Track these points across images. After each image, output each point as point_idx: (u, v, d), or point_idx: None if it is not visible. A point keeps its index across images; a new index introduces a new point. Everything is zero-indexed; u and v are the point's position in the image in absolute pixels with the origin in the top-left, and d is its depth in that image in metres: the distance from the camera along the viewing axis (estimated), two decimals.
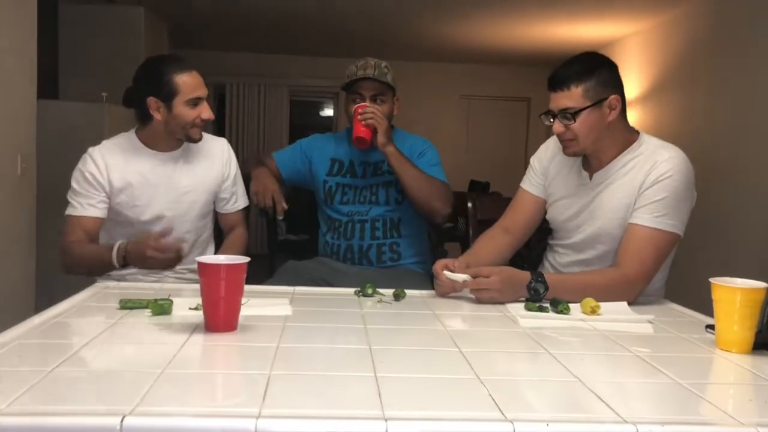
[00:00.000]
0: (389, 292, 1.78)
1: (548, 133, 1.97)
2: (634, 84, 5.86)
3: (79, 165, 2.14)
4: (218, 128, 7.92)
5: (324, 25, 6.34)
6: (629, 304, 1.69)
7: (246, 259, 1.37)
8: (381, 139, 2.29)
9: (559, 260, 2.03)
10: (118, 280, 2.06)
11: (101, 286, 1.81)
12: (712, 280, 1.36)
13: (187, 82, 2.06)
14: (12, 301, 3.12)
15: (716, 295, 1.35)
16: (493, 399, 0.99)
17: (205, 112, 2.10)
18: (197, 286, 1.37)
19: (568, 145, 1.86)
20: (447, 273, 1.74)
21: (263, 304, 1.58)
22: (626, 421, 0.92)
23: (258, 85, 8.01)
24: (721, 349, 1.35)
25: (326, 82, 7.75)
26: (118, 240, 2.19)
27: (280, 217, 2.32)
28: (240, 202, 2.35)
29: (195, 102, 2.08)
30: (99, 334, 1.31)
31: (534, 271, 1.74)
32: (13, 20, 3.12)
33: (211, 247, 2.34)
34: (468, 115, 8.28)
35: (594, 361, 1.29)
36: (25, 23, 3.26)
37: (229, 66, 7.85)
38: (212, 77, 7.59)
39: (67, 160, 2.33)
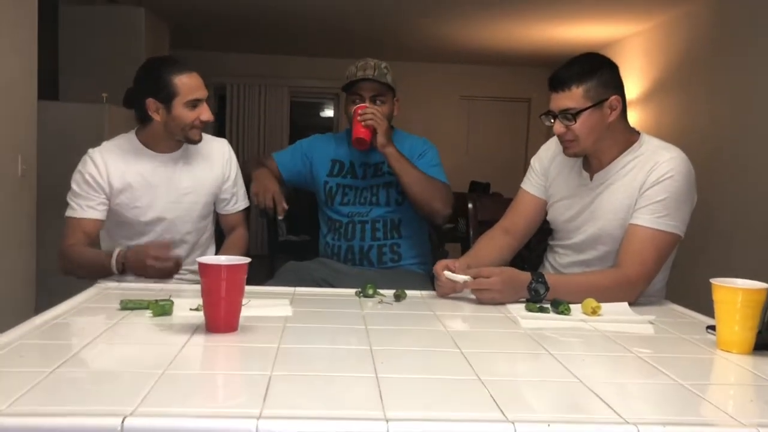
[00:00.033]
0: (390, 292, 1.78)
1: (549, 133, 1.97)
2: (634, 84, 5.86)
3: (79, 166, 2.14)
4: (219, 129, 7.93)
5: (324, 26, 6.34)
6: (630, 304, 1.69)
7: (247, 260, 1.37)
8: (381, 139, 2.29)
9: (559, 261, 2.03)
10: (119, 280, 2.06)
11: (102, 287, 1.81)
12: (712, 280, 1.35)
13: (187, 84, 2.06)
14: (12, 302, 3.12)
15: (717, 296, 1.35)
16: (494, 399, 0.99)
17: (205, 113, 2.10)
18: (198, 286, 1.37)
19: (568, 146, 1.86)
20: (447, 273, 1.74)
21: (264, 304, 1.58)
22: (627, 422, 0.92)
23: (258, 86, 8.01)
24: (722, 350, 1.35)
25: (326, 83, 7.76)
26: (118, 240, 2.20)
27: (281, 218, 2.32)
28: (240, 202, 2.35)
29: (194, 103, 2.08)
30: (100, 334, 1.31)
31: (534, 271, 1.74)
32: (13, 21, 3.12)
33: (212, 248, 2.34)
34: (468, 115, 8.28)
35: (595, 361, 1.29)
36: (26, 24, 3.26)
37: (229, 66, 7.85)
38: (213, 78, 7.59)
39: (67, 160, 2.33)
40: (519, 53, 7.22)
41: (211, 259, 1.38)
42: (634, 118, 5.68)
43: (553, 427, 0.89)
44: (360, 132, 2.31)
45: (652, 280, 1.81)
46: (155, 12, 5.36)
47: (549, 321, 1.57)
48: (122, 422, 0.85)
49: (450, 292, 1.79)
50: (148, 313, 1.47)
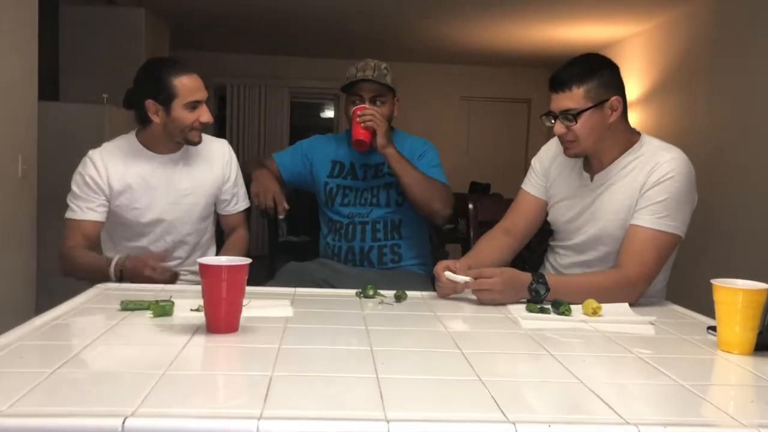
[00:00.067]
0: (390, 293, 1.78)
1: (549, 134, 1.97)
2: (634, 85, 5.86)
3: (79, 168, 2.14)
4: (219, 129, 7.93)
5: (324, 26, 6.34)
6: (631, 305, 1.69)
7: (247, 261, 1.37)
8: (380, 141, 2.29)
9: (560, 261, 2.03)
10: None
11: (102, 288, 1.80)
12: (713, 281, 1.35)
13: (186, 85, 2.05)
14: (13, 303, 3.12)
15: (718, 297, 1.35)
16: (494, 400, 0.99)
17: (204, 115, 2.09)
18: (198, 287, 1.37)
19: (569, 147, 1.86)
20: (448, 274, 1.74)
21: (264, 305, 1.58)
22: (628, 423, 0.92)
23: (259, 87, 8.01)
24: (723, 351, 1.35)
25: (327, 84, 7.76)
26: (118, 241, 2.20)
27: (282, 217, 2.31)
28: (241, 203, 2.34)
29: (194, 105, 2.07)
30: (100, 335, 1.31)
31: (535, 272, 1.74)
32: (14, 21, 3.13)
33: (213, 249, 2.34)
34: (468, 116, 8.28)
35: (595, 362, 1.29)
36: (26, 24, 3.26)
37: (229, 67, 7.86)
38: (213, 78, 7.59)
39: (67, 161, 2.33)
40: (519, 54, 7.22)
41: (211, 259, 1.38)
42: (634, 118, 5.68)
43: (553, 428, 0.89)
44: (359, 134, 2.31)
45: (652, 281, 1.80)
46: (155, 12, 5.36)
47: (549, 322, 1.57)
48: (123, 423, 0.85)
49: (451, 293, 1.79)
50: (148, 313, 1.47)
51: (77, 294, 1.69)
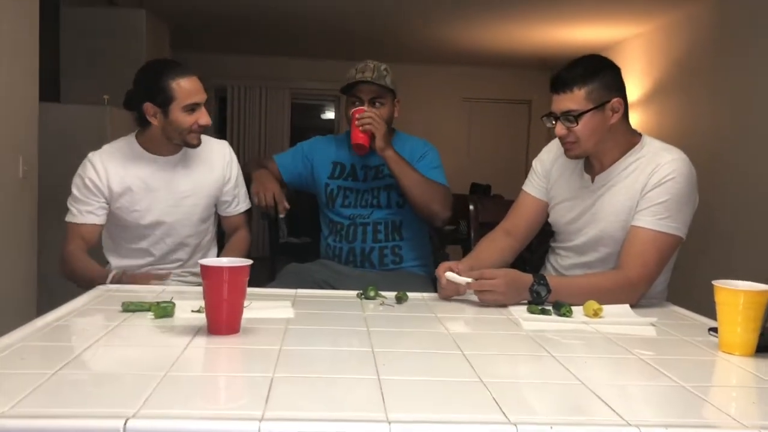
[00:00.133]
0: (391, 294, 1.78)
1: (550, 135, 1.97)
2: (635, 86, 5.86)
3: (79, 170, 2.14)
4: (219, 130, 7.94)
5: (325, 28, 6.35)
6: (632, 306, 1.69)
7: (248, 262, 1.37)
8: (379, 143, 2.29)
9: (561, 263, 2.03)
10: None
11: (104, 289, 1.81)
12: (714, 282, 1.35)
13: (185, 88, 2.04)
14: (14, 304, 3.12)
15: (719, 298, 1.35)
16: (496, 401, 0.99)
17: (203, 118, 2.08)
18: (200, 288, 1.37)
19: (569, 148, 1.86)
20: (449, 274, 1.74)
21: (265, 306, 1.58)
22: (629, 424, 0.92)
23: (259, 88, 8.01)
24: (724, 352, 1.35)
25: (327, 85, 7.76)
26: (120, 243, 2.20)
27: (282, 216, 2.31)
28: (242, 204, 2.34)
29: (192, 108, 2.06)
30: (101, 336, 1.31)
31: (536, 273, 1.74)
32: (14, 22, 3.13)
33: (214, 250, 2.34)
34: (469, 117, 8.28)
35: (597, 363, 1.29)
36: (27, 25, 3.27)
37: (230, 68, 7.86)
38: (214, 79, 7.60)
39: (68, 162, 2.33)
40: (520, 55, 7.22)
41: (212, 261, 1.38)
42: (635, 119, 5.68)
43: (555, 429, 0.89)
44: (358, 138, 2.31)
45: (653, 282, 1.80)
46: (156, 14, 5.37)
47: (551, 323, 1.57)
48: (124, 424, 0.85)
49: (453, 295, 1.78)
50: (149, 315, 1.47)
51: (78, 295, 1.70)
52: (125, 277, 1.95)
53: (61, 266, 2.10)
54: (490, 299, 1.69)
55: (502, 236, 2.06)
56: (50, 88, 4.75)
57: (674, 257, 1.88)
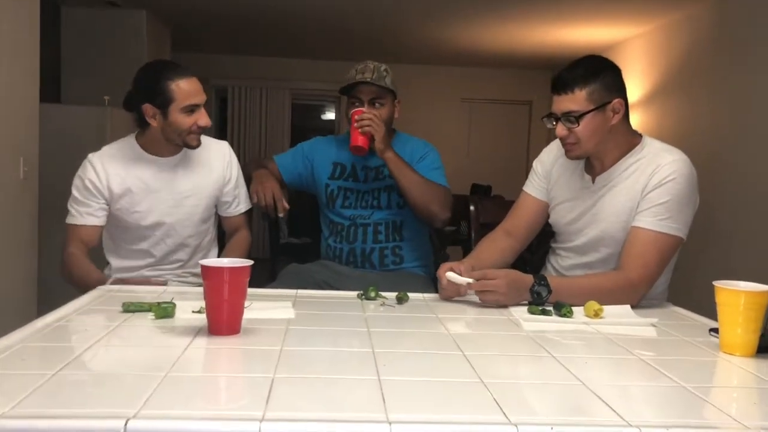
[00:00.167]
0: (392, 295, 1.78)
1: (550, 136, 1.97)
2: (636, 87, 5.86)
3: (79, 172, 2.14)
4: (220, 131, 7.94)
5: (325, 28, 6.35)
6: (632, 307, 1.69)
7: (249, 263, 1.37)
8: (378, 145, 2.29)
9: (561, 263, 2.03)
10: (121, 283, 2.06)
11: (104, 289, 1.81)
12: (715, 283, 1.35)
13: (184, 89, 2.04)
14: (14, 304, 3.12)
15: (720, 299, 1.35)
16: (496, 402, 0.99)
17: (202, 119, 2.08)
18: (200, 289, 1.37)
19: (570, 149, 1.86)
20: (450, 275, 1.74)
21: (266, 307, 1.58)
22: (630, 425, 0.92)
23: (260, 88, 8.01)
24: (725, 353, 1.34)
25: (328, 86, 7.76)
26: (120, 244, 2.20)
27: (281, 215, 2.30)
28: (242, 205, 2.34)
29: (191, 109, 2.06)
30: (102, 337, 1.31)
31: (537, 274, 1.74)
32: (15, 23, 3.13)
33: (215, 250, 2.34)
34: (469, 118, 8.28)
35: (597, 364, 1.29)
36: (28, 26, 3.27)
37: (231, 69, 7.86)
38: (214, 80, 7.61)
39: (69, 163, 2.33)
40: (520, 56, 7.22)
41: (213, 261, 1.38)
42: (635, 120, 5.68)
43: (555, 430, 0.89)
44: (357, 140, 2.31)
45: (654, 283, 1.80)
46: (157, 14, 5.37)
47: (551, 324, 1.57)
48: (125, 425, 0.85)
49: (454, 295, 1.78)
50: (150, 315, 1.47)
51: (79, 296, 1.70)
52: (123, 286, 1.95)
53: (61, 269, 2.10)
54: (491, 300, 1.69)
55: (502, 237, 2.06)
56: (51, 89, 4.76)
57: (675, 258, 1.88)
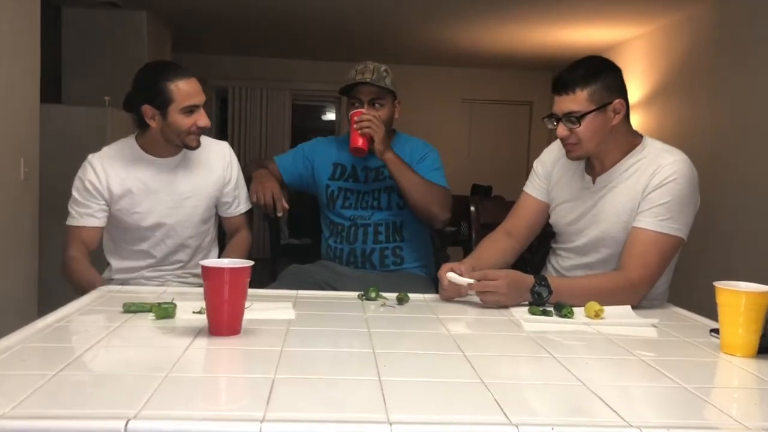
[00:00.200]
0: (392, 295, 1.77)
1: (551, 137, 1.97)
2: (636, 87, 5.86)
3: (79, 173, 2.14)
4: (220, 132, 7.95)
5: (326, 28, 6.35)
6: (633, 307, 1.69)
7: (250, 263, 1.37)
8: (378, 147, 2.28)
9: (562, 264, 2.03)
10: (122, 283, 2.06)
11: (105, 290, 1.81)
12: (716, 283, 1.35)
13: (183, 90, 2.03)
14: (15, 304, 3.13)
15: (720, 299, 1.35)
16: (497, 403, 0.99)
17: (202, 119, 2.07)
18: (201, 289, 1.37)
19: (571, 149, 1.86)
20: (451, 275, 1.74)
21: (266, 307, 1.58)
22: (631, 425, 0.92)
23: (260, 89, 8.02)
24: (726, 353, 1.34)
25: (328, 86, 7.75)
26: (120, 245, 2.20)
27: (280, 214, 2.30)
28: (243, 205, 2.34)
29: (190, 110, 2.05)
30: (102, 337, 1.31)
31: (537, 274, 1.74)
32: (16, 24, 3.13)
33: (215, 251, 2.34)
34: (470, 118, 8.28)
35: (598, 364, 1.29)
36: (29, 27, 3.27)
37: (231, 69, 7.87)
38: (215, 81, 7.61)
39: (69, 163, 2.33)
40: (521, 56, 7.22)
41: (214, 262, 1.38)
42: (636, 120, 5.66)
43: (556, 430, 0.89)
44: (357, 141, 2.31)
45: (655, 284, 1.80)
46: (157, 15, 5.38)
47: (552, 324, 1.57)
48: (126, 425, 0.85)
49: (454, 296, 1.78)
50: (150, 316, 1.47)
51: (79, 296, 1.70)
52: None
53: (62, 270, 2.10)
54: (492, 300, 1.69)
55: (502, 237, 2.06)
56: (51, 90, 4.76)
57: (676, 258, 1.88)
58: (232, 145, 2.38)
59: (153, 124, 2.07)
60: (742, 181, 4.44)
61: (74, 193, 2.13)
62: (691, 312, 1.75)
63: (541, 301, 1.68)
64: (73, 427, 0.86)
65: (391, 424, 0.89)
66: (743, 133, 4.48)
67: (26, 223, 3.28)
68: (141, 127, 2.12)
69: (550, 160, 2.07)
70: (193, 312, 1.48)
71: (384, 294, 1.78)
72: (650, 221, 1.78)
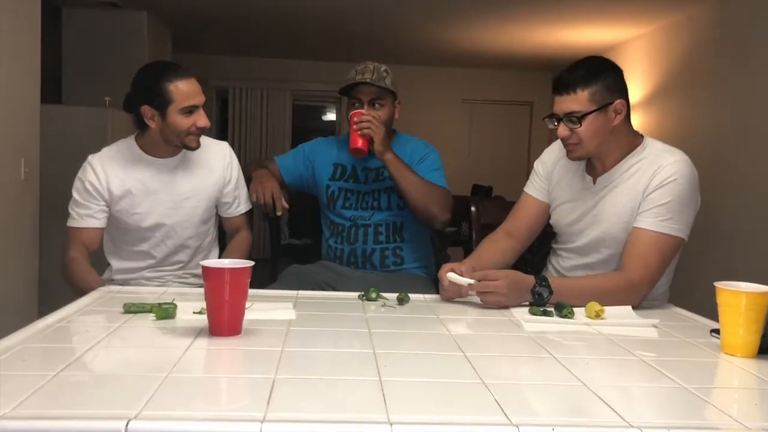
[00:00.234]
0: (393, 296, 1.77)
1: (551, 137, 1.97)
2: (637, 87, 5.86)
3: (79, 174, 2.14)
4: (221, 132, 7.95)
5: (326, 29, 6.35)
6: (634, 308, 1.69)
7: (250, 263, 1.37)
8: (378, 147, 2.28)
9: (562, 264, 2.03)
10: (122, 284, 2.06)
11: (105, 290, 1.81)
12: (717, 284, 1.35)
13: (182, 90, 2.03)
14: (15, 305, 3.13)
15: (721, 299, 1.35)
16: (497, 403, 0.99)
17: (201, 120, 2.07)
18: (201, 290, 1.37)
19: (572, 149, 1.86)
20: (451, 275, 1.74)
21: (267, 308, 1.58)
22: (631, 426, 0.92)
23: (261, 89, 8.02)
24: (726, 354, 1.34)
25: (329, 87, 7.74)
26: (121, 245, 2.20)
27: (279, 213, 2.29)
28: (243, 205, 2.33)
29: (190, 110, 2.05)
30: (103, 338, 1.32)
31: (538, 275, 1.73)
32: (16, 24, 3.13)
33: (215, 251, 2.34)
34: (470, 119, 8.28)
35: (598, 365, 1.29)
36: (29, 27, 3.27)
37: (232, 70, 7.87)
38: (215, 81, 7.61)
39: (70, 164, 2.33)
40: (521, 57, 7.22)
41: (214, 262, 1.38)
42: (636, 121, 5.65)
43: (557, 431, 0.89)
44: (356, 142, 2.30)
45: (655, 284, 1.80)
46: (158, 15, 5.38)
47: (552, 324, 1.57)
48: (126, 426, 0.85)
49: (455, 296, 1.78)
50: (151, 316, 1.47)
51: (80, 297, 1.70)
52: None
53: (62, 271, 2.10)
54: (493, 301, 1.69)
55: (503, 237, 2.06)
56: (52, 90, 4.76)
57: (676, 259, 1.88)
58: (232, 146, 2.37)
59: (152, 124, 2.06)
60: (742, 182, 4.44)
61: (74, 194, 2.13)
62: (692, 312, 1.75)
63: (541, 301, 1.67)
64: (74, 428, 0.86)
65: (391, 424, 0.88)
66: (743, 134, 4.48)
67: (26, 223, 3.29)
68: (140, 127, 2.12)
69: (550, 161, 2.07)
70: (194, 312, 1.48)
71: (384, 294, 1.78)
72: (651, 221, 1.78)
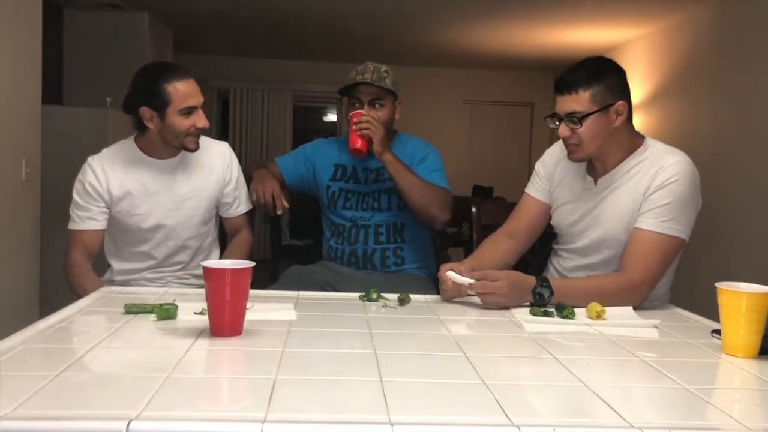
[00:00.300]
0: (394, 296, 1.77)
1: (552, 138, 1.97)
2: (638, 88, 5.86)
3: (79, 175, 2.14)
4: (222, 133, 7.95)
5: (326, 29, 6.36)
6: (634, 308, 1.69)
7: (251, 264, 1.37)
8: (377, 148, 2.28)
9: (563, 265, 2.03)
10: (123, 285, 2.06)
11: (106, 291, 1.81)
12: (717, 284, 1.35)
13: (181, 91, 2.02)
14: (17, 306, 3.13)
15: (722, 300, 1.34)
16: (498, 404, 0.99)
17: (200, 120, 2.07)
18: (202, 290, 1.37)
19: (573, 150, 1.86)
20: (451, 274, 1.74)
21: (268, 308, 1.58)
22: (632, 426, 0.92)
23: (262, 90, 8.03)
24: (727, 354, 1.34)
25: (330, 87, 7.69)
26: (121, 246, 2.20)
27: (279, 212, 2.29)
28: (243, 206, 2.33)
29: (188, 111, 2.04)
30: (104, 338, 1.32)
31: (539, 275, 1.73)
32: (17, 25, 3.13)
33: (216, 252, 2.33)
34: (471, 119, 8.28)
35: (599, 365, 1.29)
36: (30, 29, 3.27)
37: (233, 71, 7.87)
38: (216, 82, 7.61)
39: (71, 165, 2.33)
40: (522, 57, 7.22)
41: (215, 263, 1.38)
42: (637, 121, 5.63)
43: (557, 431, 0.89)
44: (356, 143, 2.30)
45: (656, 285, 1.80)
46: (159, 16, 5.38)
47: (553, 325, 1.57)
48: (127, 426, 0.85)
49: (455, 297, 1.78)
50: (152, 317, 1.47)
51: (80, 297, 1.70)
52: None
53: (64, 273, 2.10)
54: (493, 301, 1.69)
55: (504, 238, 2.06)
56: (53, 91, 4.77)
57: (677, 259, 1.88)
58: (233, 147, 2.37)
59: (151, 125, 2.06)
60: (743, 182, 4.44)
61: (75, 196, 2.13)
62: (693, 313, 1.75)
63: (542, 302, 1.67)
64: (75, 428, 0.86)
65: (392, 424, 0.88)
66: (744, 134, 4.48)
67: (28, 223, 3.29)
68: (140, 128, 2.12)
69: (551, 161, 2.07)
70: (195, 313, 1.48)
71: (385, 295, 1.78)
72: (652, 222, 1.78)
